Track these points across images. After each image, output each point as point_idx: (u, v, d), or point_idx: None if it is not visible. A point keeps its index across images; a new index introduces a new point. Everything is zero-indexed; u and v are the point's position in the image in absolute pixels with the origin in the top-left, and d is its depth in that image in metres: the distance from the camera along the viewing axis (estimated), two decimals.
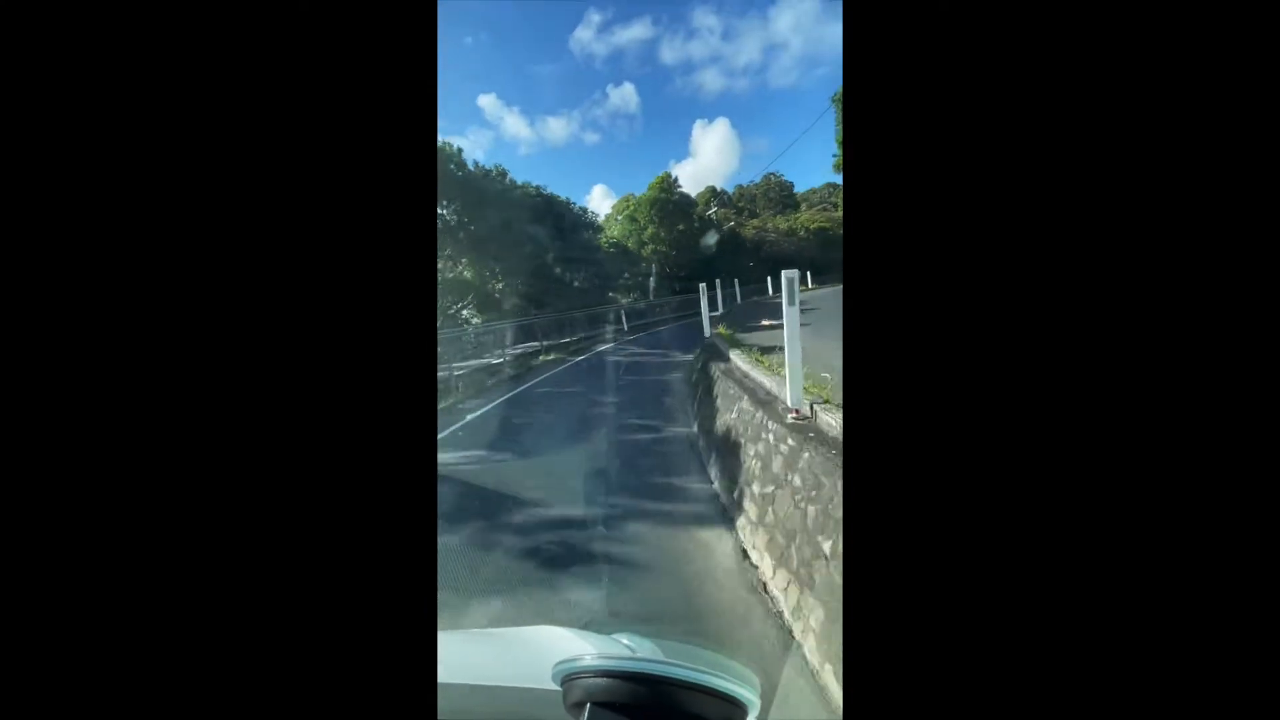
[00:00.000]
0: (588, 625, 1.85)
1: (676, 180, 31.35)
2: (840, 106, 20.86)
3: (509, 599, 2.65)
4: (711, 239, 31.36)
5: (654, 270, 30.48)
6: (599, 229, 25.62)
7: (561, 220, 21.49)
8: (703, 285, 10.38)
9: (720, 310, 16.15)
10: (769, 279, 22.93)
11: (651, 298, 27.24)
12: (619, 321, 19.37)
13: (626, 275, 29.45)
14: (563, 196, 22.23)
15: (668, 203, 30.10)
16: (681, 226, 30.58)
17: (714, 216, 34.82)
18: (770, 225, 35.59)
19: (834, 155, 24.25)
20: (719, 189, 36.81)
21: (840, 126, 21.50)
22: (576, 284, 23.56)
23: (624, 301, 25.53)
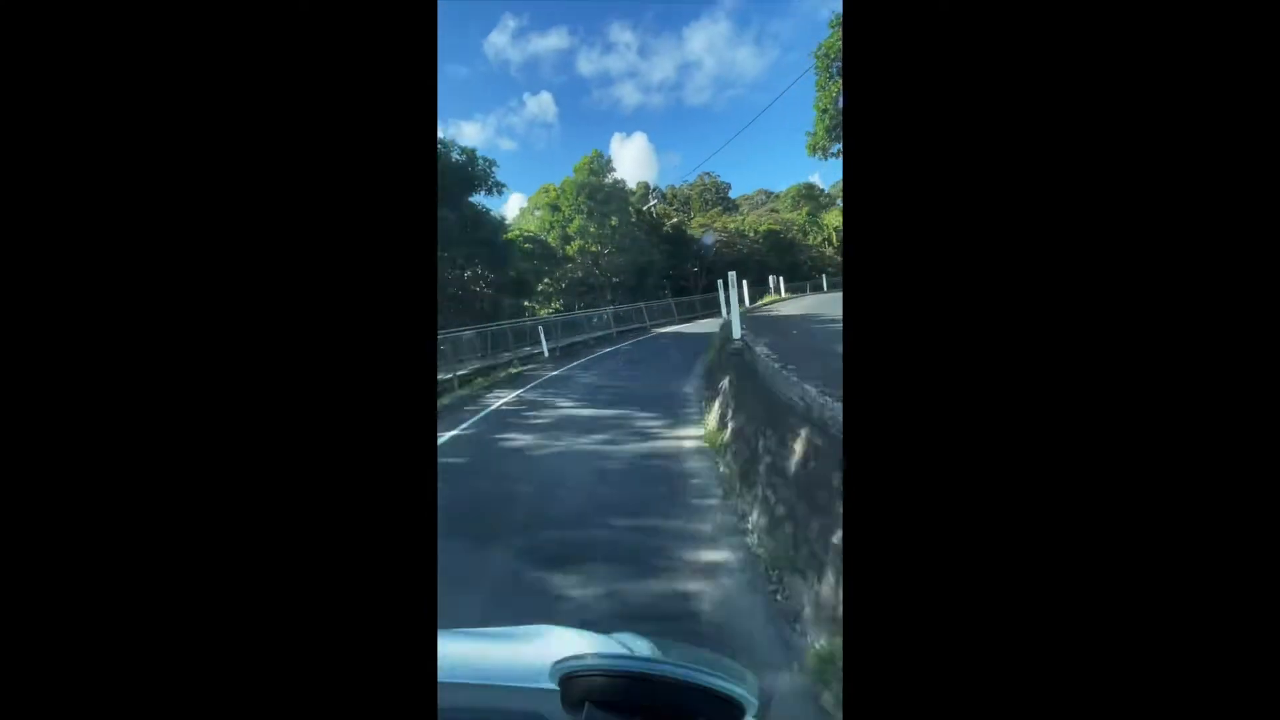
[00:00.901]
0: (586, 624, 1.63)
1: (610, 162, 24.67)
2: (823, 63, 18.31)
3: None
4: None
5: (584, 273, 23.49)
6: (504, 226, 18.18)
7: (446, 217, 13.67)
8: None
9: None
10: (724, 285, 17.03)
11: (580, 307, 20.17)
12: (536, 342, 12.15)
13: (547, 281, 22.32)
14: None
15: (599, 189, 23.29)
16: (615, 220, 23.95)
17: (654, 211, 28.43)
18: (719, 224, 29.75)
19: (807, 135, 19.63)
20: (653, 185, 30.70)
21: (820, 92, 18.93)
22: (465, 292, 16.00)
23: (544, 314, 18.35)
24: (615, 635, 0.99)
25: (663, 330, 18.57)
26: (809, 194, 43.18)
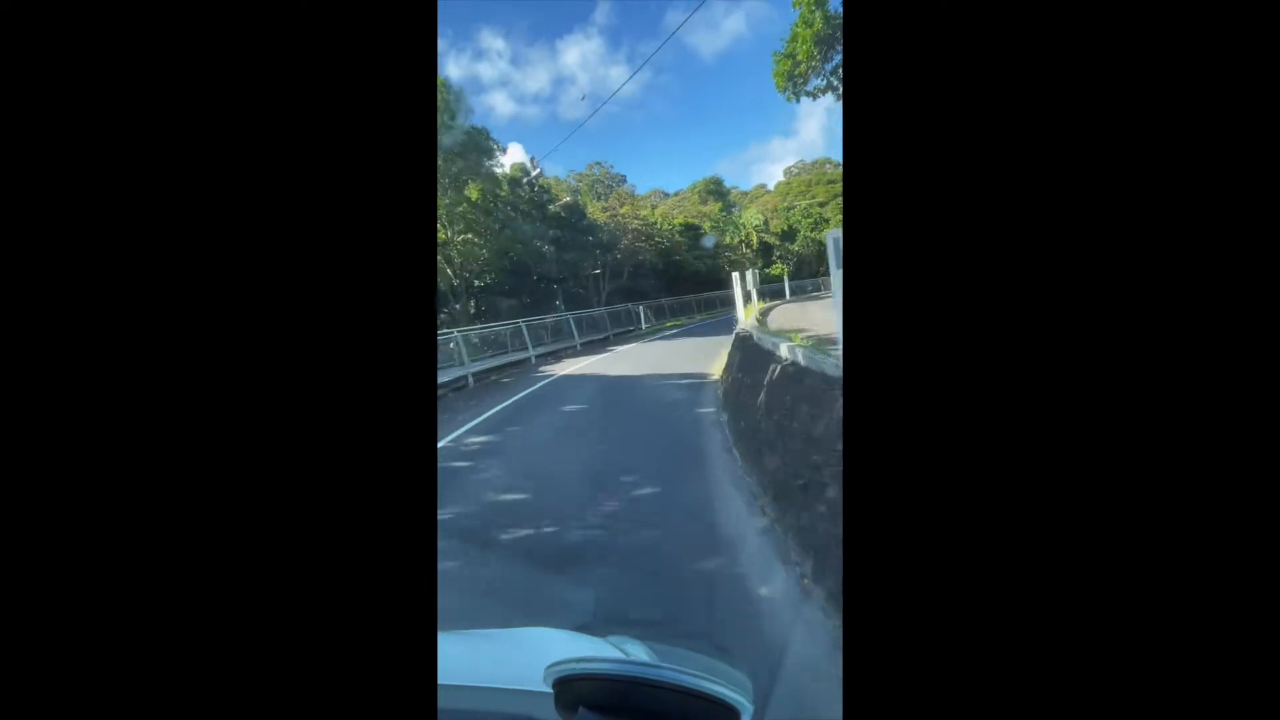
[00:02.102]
0: (582, 627, 1.69)
1: (463, 99, 15.71)
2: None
3: None
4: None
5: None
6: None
7: None
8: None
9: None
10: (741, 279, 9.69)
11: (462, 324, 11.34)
12: None
13: None
14: None
15: (442, 131, 14.23)
16: (476, 189, 15.10)
17: (536, 183, 19.62)
18: (625, 210, 21.95)
19: (776, 57, 13.03)
20: (532, 159, 22.00)
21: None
22: None
23: None
24: (609, 639, 1.00)
25: (559, 372, 10.17)
26: (716, 189, 37.29)
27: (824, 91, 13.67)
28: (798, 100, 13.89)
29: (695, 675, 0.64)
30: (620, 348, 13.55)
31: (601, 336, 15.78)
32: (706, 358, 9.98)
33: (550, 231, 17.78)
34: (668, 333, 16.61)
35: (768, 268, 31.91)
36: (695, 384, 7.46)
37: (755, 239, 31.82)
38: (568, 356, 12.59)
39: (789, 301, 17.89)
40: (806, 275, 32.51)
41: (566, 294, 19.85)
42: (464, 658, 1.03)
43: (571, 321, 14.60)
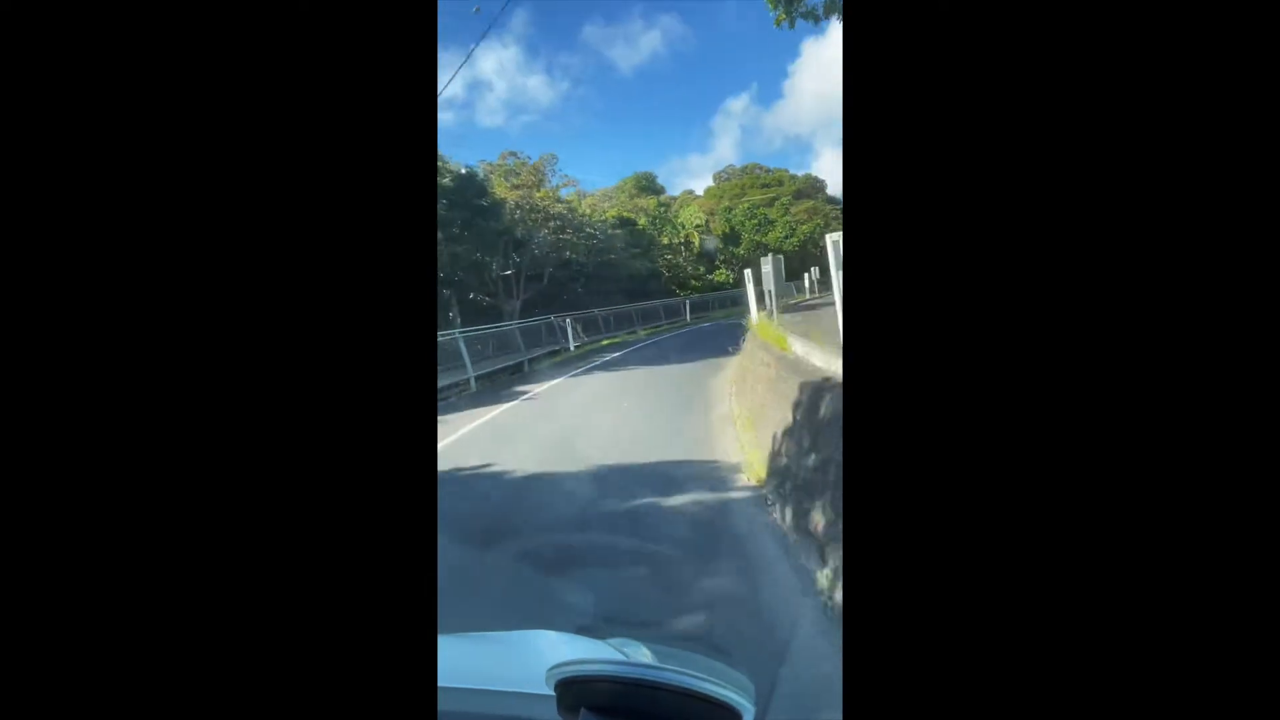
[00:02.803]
0: (583, 629, 1.67)
1: None
2: None
3: None
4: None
5: None
6: None
7: None
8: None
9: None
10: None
11: None
12: None
13: None
14: None
15: None
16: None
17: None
18: (544, 199, 16.99)
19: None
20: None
21: None
22: None
23: None
24: (611, 641, 0.98)
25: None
26: (649, 185, 33.11)
27: (827, 14, 9.86)
28: (792, 26, 9.90)
29: (697, 677, 0.64)
30: (540, 387, 8.61)
31: (511, 364, 10.73)
32: (689, 408, 5.96)
33: (448, 212, 12.49)
34: (607, 356, 11.91)
35: (710, 274, 28.05)
36: (718, 506, 3.21)
37: (697, 240, 27.86)
38: (451, 410, 7.43)
39: (797, 310, 13.68)
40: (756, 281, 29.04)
41: (465, 303, 14.56)
42: (466, 660, 1.06)
43: (464, 344, 9.43)
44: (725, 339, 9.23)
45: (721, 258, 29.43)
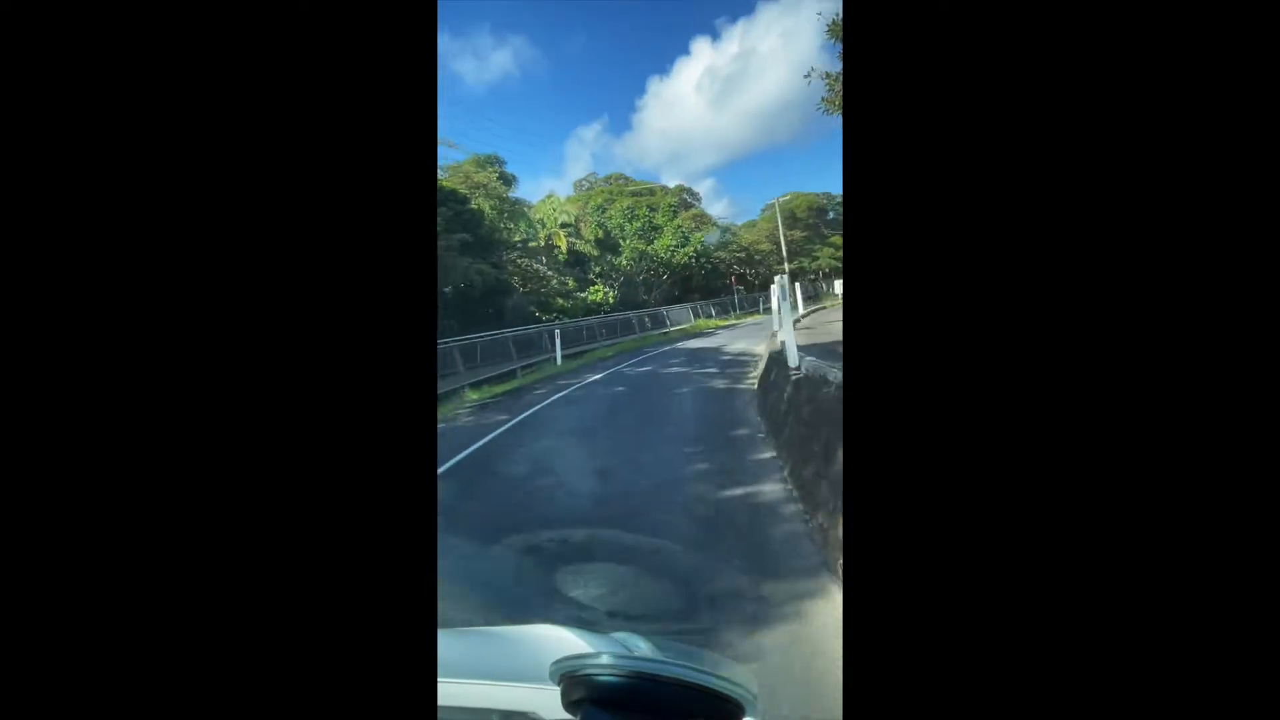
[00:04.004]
0: (586, 625, 1.68)
1: None
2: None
3: None
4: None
5: None
6: None
7: None
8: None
9: None
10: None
11: None
12: None
13: None
14: None
15: None
16: None
17: None
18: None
19: None
20: None
21: None
22: None
23: None
24: (614, 635, 1.00)
25: None
26: (495, 162, 24.26)
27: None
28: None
29: (700, 671, 0.64)
30: None
31: None
32: None
33: None
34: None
35: (582, 292, 20.12)
36: None
37: (564, 244, 19.72)
38: None
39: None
40: (640, 304, 21.64)
41: None
42: (470, 655, 1.06)
43: None
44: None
45: (597, 269, 21.66)
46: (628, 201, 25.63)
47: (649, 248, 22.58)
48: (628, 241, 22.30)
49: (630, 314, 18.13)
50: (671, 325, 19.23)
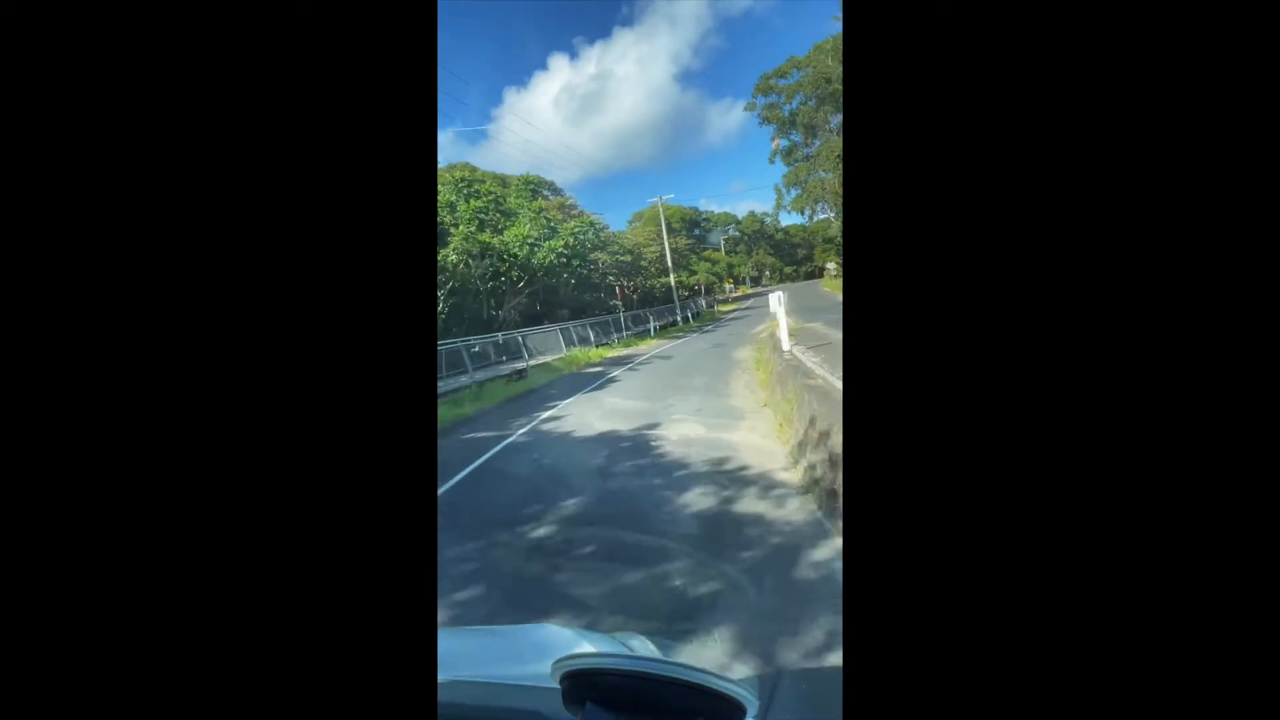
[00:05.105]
0: (588, 626, 1.72)
1: None
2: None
3: None
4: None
5: None
6: None
7: None
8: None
9: None
10: None
11: None
12: None
13: None
14: None
15: None
16: None
17: None
18: None
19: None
20: None
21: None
22: None
23: None
24: (616, 635, 0.99)
25: None
26: None
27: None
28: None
29: (702, 671, 0.64)
30: None
31: None
32: None
33: None
34: None
35: None
36: None
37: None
38: None
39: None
40: (486, 323, 14.48)
41: None
42: (472, 654, 1.05)
43: None
44: None
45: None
46: (466, 175, 18.34)
47: (496, 240, 15.51)
48: (460, 228, 14.94)
49: (459, 343, 10.78)
50: (532, 358, 12.41)
